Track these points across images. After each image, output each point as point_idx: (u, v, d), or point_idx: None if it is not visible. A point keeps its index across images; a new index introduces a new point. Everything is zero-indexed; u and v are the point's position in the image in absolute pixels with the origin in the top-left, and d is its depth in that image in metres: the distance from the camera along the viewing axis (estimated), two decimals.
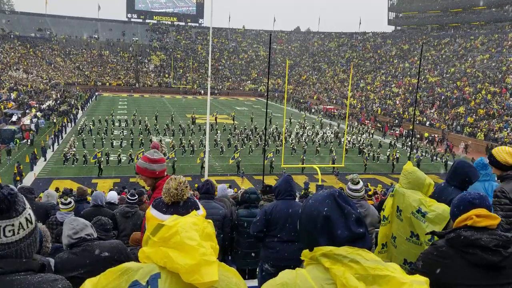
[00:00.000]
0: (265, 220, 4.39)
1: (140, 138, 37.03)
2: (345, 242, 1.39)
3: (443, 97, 55.08)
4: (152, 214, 1.69)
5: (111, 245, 3.03)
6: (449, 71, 62.62)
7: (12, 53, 73.96)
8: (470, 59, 63.59)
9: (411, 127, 38.87)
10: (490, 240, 1.94)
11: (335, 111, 61.49)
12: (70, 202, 5.85)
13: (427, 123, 50.01)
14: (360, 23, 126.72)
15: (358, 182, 4.95)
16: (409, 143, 36.10)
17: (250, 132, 42.80)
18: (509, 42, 61.88)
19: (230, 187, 19.91)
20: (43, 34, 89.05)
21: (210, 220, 1.57)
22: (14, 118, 39.97)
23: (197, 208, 1.70)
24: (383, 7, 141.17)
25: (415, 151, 37.63)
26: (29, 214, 1.47)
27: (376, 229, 4.58)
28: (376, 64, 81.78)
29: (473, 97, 51.24)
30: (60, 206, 5.87)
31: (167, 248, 1.42)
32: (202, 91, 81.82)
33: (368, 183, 26.02)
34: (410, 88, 61.79)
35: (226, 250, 5.67)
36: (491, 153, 3.69)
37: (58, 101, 54.52)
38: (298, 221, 1.53)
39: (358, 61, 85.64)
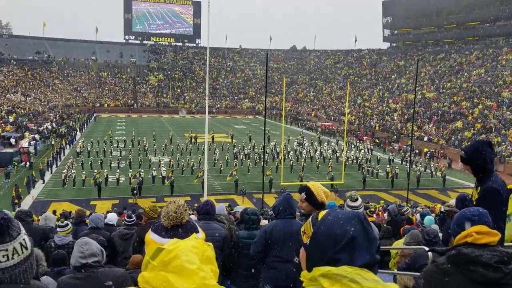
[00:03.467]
0: (264, 239, 4.35)
1: (139, 158, 36.99)
2: (363, 266, 1.35)
3: (440, 112, 55.35)
4: (151, 238, 1.68)
5: (115, 275, 3.02)
6: (445, 86, 63.06)
7: (10, 76, 74.34)
8: (466, 73, 64.11)
9: (409, 143, 38.94)
10: (491, 257, 1.93)
11: (333, 127, 61.65)
12: (67, 225, 5.82)
13: (425, 138, 50.13)
14: (355, 40, 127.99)
15: (357, 199, 4.94)
16: (408, 158, 36.09)
17: (249, 150, 42.80)
18: (504, 57, 62.49)
19: (229, 206, 19.82)
20: (41, 57, 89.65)
21: (210, 243, 1.56)
22: (12, 141, 39.97)
23: (197, 231, 1.70)
24: (378, 24, 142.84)
25: (414, 166, 37.61)
26: (24, 240, 1.46)
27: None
28: (372, 80, 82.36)
29: (470, 112, 51.49)
30: (58, 229, 5.83)
31: (166, 273, 1.41)
32: (194, 111, 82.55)
33: (368, 200, 25.94)
34: (407, 104, 62.13)
35: (227, 271, 5.61)
36: (307, 186, 3.51)
37: (57, 123, 54.61)
38: (312, 237, 1.47)
39: (354, 78, 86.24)
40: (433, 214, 12.08)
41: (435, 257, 2.28)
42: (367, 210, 15.47)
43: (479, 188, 3.59)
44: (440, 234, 5.57)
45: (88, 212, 12.37)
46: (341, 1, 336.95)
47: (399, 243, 5.67)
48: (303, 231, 1.53)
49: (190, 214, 2.34)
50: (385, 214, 10.75)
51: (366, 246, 1.38)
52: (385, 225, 8.62)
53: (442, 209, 7.98)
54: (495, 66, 61.53)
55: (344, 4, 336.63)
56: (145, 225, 5.70)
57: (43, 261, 3.55)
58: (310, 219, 1.54)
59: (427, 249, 3.69)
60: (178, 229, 1.69)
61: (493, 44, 69.86)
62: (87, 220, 7.89)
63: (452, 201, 5.98)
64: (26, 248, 1.46)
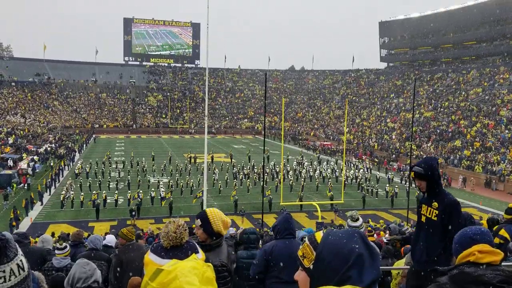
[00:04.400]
0: (265, 260, 4.30)
1: (138, 179, 36.86)
2: (372, 282, 1.36)
3: (438, 130, 55.51)
4: (150, 258, 1.66)
5: None
6: (443, 105, 63.38)
7: (10, 98, 74.66)
8: (463, 92, 64.50)
9: (408, 162, 38.92)
10: (494, 276, 1.91)
11: (332, 147, 61.73)
12: (65, 247, 5.76)
13: (424, 157, 50.09)
14: (353, 60, 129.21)
15: (358, 219, 4.92)
16: (407, 177, 36.02)
17: (248, 170, 42.72)
18: (501, 76, 62.98)
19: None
20: (41, 78, 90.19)
21: (210, 264, 1.54)
22: (10, 163, 39.90)
23: (197, 252, 1.68)
24: (375, 44, 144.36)
25: (413, 185, 37.47)
26: (21, 261, 1.44)
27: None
28: (370, 100, 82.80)
29: (468, 130, 51.65)
30: (56, 251, 5.77)
31: None
32: (193, 131, 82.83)
33: (369, 219, 25.79)
34: (406, 123, 62.37)
35: None
36: (204, 212, 3.24)
37: (56, 145, 54.62)
38: (317, 260, 1.46)
39: (352, 97, 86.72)
40: None
41: (437, 277, 2.25)
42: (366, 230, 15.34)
43: (435, 203, 3.72)
44: None
45: (86, 234, 12.29)
46: (339, 22, 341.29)
47: (400, 263, 5.62)
48: (302, 255, 1.52)
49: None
50: (386, 233, 10.71)
51: (371, 261, 1.39)
52: (386, 239, 8.55)
53: (385, 240, 7.95)
54: (493, 85, 61.98)
55: (341, 25, 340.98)
56: (124, 247, 5.65)
57: (44, 283, 3.52)
58: (307, 242, 1.53)
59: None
60: (178, 250, 1.67)
61: (490, 63, 70.51)
62: (86, 243, 7.82)
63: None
64: (23, 270, 1.44)
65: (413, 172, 3.83)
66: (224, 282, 3.02)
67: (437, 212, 3.72)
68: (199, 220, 3.15)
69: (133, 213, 28.32)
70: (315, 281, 1.45)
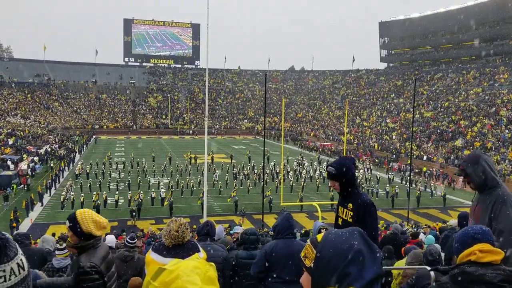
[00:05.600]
0: (265, 260, 4.31)
1: (138, 180, 36.85)
2: (373, 279, 1.35)
3: (439, 130, 55.52)
4: (152, 258, 1.66)
5: None
6: (443, 105, 63.39)
7: (10, 99, 74.67)
8: (463, 92, 64.51)
9: (408, 162, 38.93)
10: (495, 276, 1.91)
11: (332, 147, 61.74)
12: (65, 248, 5.75)
13: (425, 157, 50.14)
14: (353, 61, 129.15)
15: None
16: (408, 177, 36.02)
17: (248, 170, 42.70)
18: (501, 76, 63.00)
19: (229, 227, 19.69)
20: (41, 79, 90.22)
21: (212, 263, 1.54)
22: (9, 164, 39.87)
23: (198, 251, 1.68)
24: (375, 45, 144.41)
25: (414, 185, 37.53)
26: (21, 260, 1.44)
27: None
28: (371, 100, 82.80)
29: (469, 130, 51.66)
30: (56, 252, 5.76)
31: None
32: (191, 131, 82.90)
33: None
34: (406, 123, 62.38)
35: None
36: (74, 214, 3.12)
37: (57, 145, 54.63)
38: (317, 258, 1.46)
39: (353, 98, 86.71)
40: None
41: (438, 276, 2.25)
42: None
43: (349, 204, 3.60)
44: (442, 254, 5.52)
45: None
46: (339, 22, 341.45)
47: (401, 263, 5.62)
48: (304, 256, 1.52)
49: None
50: (388, 232, 10.70)
51: (371, 258, 1.38)
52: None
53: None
54: (492, 85, 62.00)
55: (341, 25, 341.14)
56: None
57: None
58: (309, 242, 1.54)
59: (429, 268, 3.65)
60: (180, 249, 1.67)
61: (490, 64, 70.53)
62: None
63: (453, 221, 5.93)
64: (24, 269, 1.44)
65: (326, 173, 3.71)
66: (92, 285, 2.92)
67: (352, 213, 3.59)
68: (68, 221, 3.06)
69: (134, 213, 28.33)
70: (316, 279, 1.45)
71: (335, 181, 3.62)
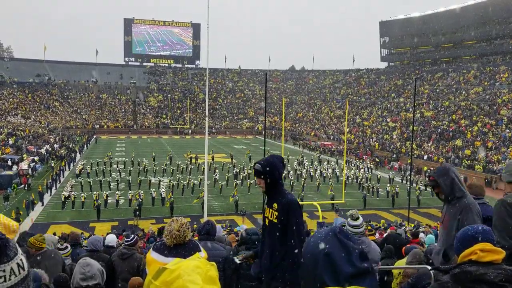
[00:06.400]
0: None
1: (138, 179, 36.84)
2: (349, 278, 1.35)
3: (439, 130, 55.50)
4: (153, 257, 1.66)
5: None
6: (443, 104, 63.36)
7: (11, 99, 74.70)
8: (464, 92, 64.49)
9: (409, 161, 38.92)
10: (496, 275, 1.91)
11: (333, 147, 61.72)
12: (66, 247, 5.77)
13: (425, 156, 50.13)
14: (353, 60, 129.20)
15: (358, 218, 4.92)
16: (408, 177, 36.00)
17: (249, 170, 42.65)
18: (501, 75, 62.96)
19: (229, 226, 19.71)
20: (42, 79, 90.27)
21: (213, 263, 1.55)
22: (10, 163, 39.89)
23: (199, 250, 1.68)
24: (375, 44, 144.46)
25: (414, 185, 37.50)
26: (21, 260, 1.44)
27: (377, 266, 4.51)
28: (371, 99, 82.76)
29: (469, 130, 51.64)
30: None
31: None
32: (190, 131, 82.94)
33: (370, 219, 25.78)
34: (406, 122, 62.35)
35: None
36: None
37: (57, 145, 54.65)
38: (302, 264, 1.48)
39: (353, 97, 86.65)
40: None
41: (439, 275, 2.25)
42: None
43: (275, 204, 3.50)
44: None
45: (87, 235, 12.32)
46: (339, 22, 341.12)
47: (401, 263, 5.62)
48: None
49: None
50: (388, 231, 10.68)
51: (344, 258, 1.38)
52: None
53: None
54: (493, 84, 61.96)
55: (341, 25, 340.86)
56: (33, 258, 4.93)
57: (47, 282, 3.53)
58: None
59: (430, 268, 3.65)
60: (181, 248, 1.67)
61: (490, 63, 70.49)
62: (85, 241, 7.83)
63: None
64: (23, 269, 1.44)
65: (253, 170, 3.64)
66: None
67: (277, 213, 3.48)
68: None
69: (137, 213, 28.28)
70: (303, 284, 1.47)
71: (261, 179, 3.53)
